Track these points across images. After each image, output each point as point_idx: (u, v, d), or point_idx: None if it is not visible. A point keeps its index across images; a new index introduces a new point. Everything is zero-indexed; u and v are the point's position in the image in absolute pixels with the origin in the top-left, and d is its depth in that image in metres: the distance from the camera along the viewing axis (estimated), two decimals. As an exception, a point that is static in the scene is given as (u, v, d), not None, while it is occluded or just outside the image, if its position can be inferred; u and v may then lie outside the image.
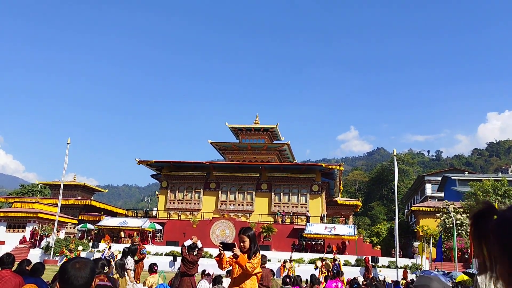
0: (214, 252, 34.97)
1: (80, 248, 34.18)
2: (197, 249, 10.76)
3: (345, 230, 37.46)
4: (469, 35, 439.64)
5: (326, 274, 23.84)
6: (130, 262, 11.42)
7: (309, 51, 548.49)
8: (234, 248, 5.41)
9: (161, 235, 42.04)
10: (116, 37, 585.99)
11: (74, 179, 60.27)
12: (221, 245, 5.51)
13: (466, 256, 36.50)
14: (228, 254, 5.54)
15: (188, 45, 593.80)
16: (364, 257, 28.08)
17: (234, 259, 5.51)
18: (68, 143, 33.62)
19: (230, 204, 45.47)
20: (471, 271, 21.49)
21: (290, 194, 44.81)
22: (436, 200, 58.33)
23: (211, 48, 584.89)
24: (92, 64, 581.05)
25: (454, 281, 17.95)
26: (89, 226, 41.83)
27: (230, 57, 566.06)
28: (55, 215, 34.25)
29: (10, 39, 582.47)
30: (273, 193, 44.99)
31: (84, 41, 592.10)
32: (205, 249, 34.08)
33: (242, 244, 5.62)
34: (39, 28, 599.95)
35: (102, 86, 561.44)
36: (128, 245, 26.27)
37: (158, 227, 40.85)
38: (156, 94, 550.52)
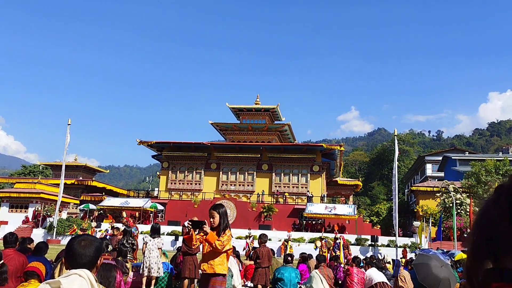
0: (216, 231, 35.32)
1: (93, 224, 34.42)
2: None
3: (345, 210, 37.70)
4: (471, 16, 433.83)
5: (326, 253, 24.04)
6: (161, 241, 11.46)
7: (309, 31, 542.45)
8: (204, 226, 5.33)
9: (163, 215, 42.38)
10: (117, 26, 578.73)
11: (76, 159, 60.36)
12: (190, 223, 5.39)
13: (465, 235, 36.81)
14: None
15: (189, 28, 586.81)
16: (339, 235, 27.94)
17: (203, 237, 5.43)
18: (68, 124, 33.56)
19: (231, 185, 45.68)
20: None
21: (291, 174, 44.97)
22: (436, 180, 58.54)
23: (211, 28, 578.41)
24: (93, 47, 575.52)
25: (453, 259, 18.16)
26: (91, 206, 42.10)
27: (231, 38, 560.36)
28: (57, 195, 34.47)
29: (13, 30, 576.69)
30: (273, 174, 45.15)
31: (88, 30, 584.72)
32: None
33: (212, 219, 5.54)
34: (39, 18, 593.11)
35: (103, 68, 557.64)
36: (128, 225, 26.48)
37: (160, 207, 41.13)
38: (156, 76, 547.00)
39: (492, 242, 0.91)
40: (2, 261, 4.89)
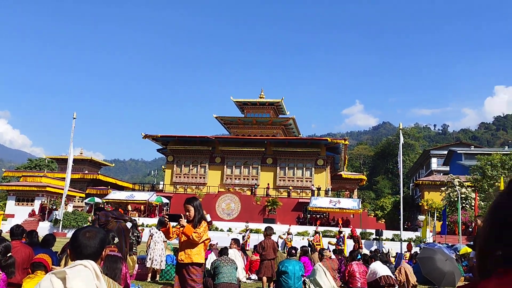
0: (220, 225, 35.46)
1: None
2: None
3: (350, 203, 37.71)
4: (476, 10, 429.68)
5: (321, 245, 23.91)
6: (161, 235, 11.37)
7: (314, 26, 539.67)
8: (180, 219, 5.51)
9: (168, 208, 42.58)
10: (122, 25, 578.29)
11: (81, 153, 60.59)
12: (167, 216, 5.60)
13: (470, 229, 36.72)
14: (174, 224, 5.65)
15: (193, 25, 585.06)
16: (350, 228, 27.94)
17: (180, 229, 5.58)
18: (74, 118, 33.68)
19: (235, 178, 45.76)
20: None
21: (295, 168, 44.98)
22: (442, 174, 58.32)
23: (216, 25, 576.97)
24: (98, 46, 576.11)
25: (458, 253, 18.15)
26: (97, 199, 42.35)
27: (236, 34, 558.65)
28: (63, 189, 34.71)
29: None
30: (278, 167, 45.16)
31: (94, 29, 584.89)
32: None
33: (187, 213, 5.70)
34: (46, 19, 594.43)
35: (107, 66, 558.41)
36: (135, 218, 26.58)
37: (165, 200, 41.33)
38: (161, 72, 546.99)
39: (505, 231, 0.97)
40: (9, 253, 4.94)
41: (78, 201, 46.86)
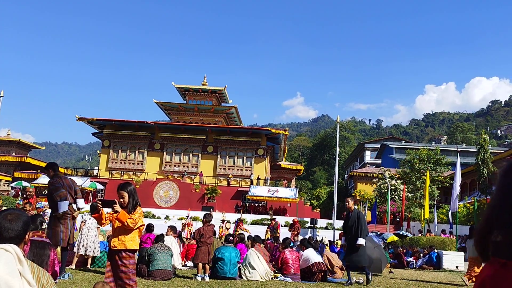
0: (157, 212, 34.92)
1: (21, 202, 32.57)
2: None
3: (287, 193, 38.59)
4: (409, 14, 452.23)
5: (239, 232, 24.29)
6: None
7: (258, 14, 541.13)
8: (114, 205, 5.44)
9: (102, 194, 41.19)
10: (61, 6, 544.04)
11: (8, 134, 57.05)
12: (100, 202, 5.47)
13: (398, 219, 38.99)
14: (108, 210, 5.55)
15: (135, 8, 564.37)
16: (293, 218, 29.22)
17: (114, 215, 5.50)
18: (1, 96, 31.41)
19: (175, 166, 45.14)
20: (401, 233, 23.14)
21: (236, 157, 45.17)
22: (374, 166, 61.25)
23: (160, 6, 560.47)
24: (31, 12, 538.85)
25: (385, 241, 19.24)
26: (25, 183, 40.04)
27: (180, 17, 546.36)
28: (-13, 172, 32.41)
29: None
30: (219, 156, 45.12)
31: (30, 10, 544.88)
32: (148, 209, 33.99)
33: (121, 200, 5.63)
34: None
35: (42, 37, 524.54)
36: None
37: (99, 186, 39.92)
38: (100, 52, 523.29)
39: None
40: None
41: (4, 185, 44.14)
